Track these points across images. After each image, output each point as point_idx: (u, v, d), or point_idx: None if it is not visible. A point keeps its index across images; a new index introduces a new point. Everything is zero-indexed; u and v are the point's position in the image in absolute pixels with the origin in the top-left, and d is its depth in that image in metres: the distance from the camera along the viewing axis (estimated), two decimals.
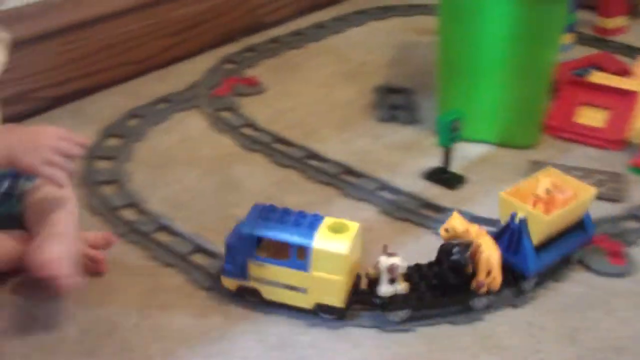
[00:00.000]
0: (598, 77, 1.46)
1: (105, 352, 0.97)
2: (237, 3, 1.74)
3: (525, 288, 1.06)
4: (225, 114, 1.47)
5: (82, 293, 1.02)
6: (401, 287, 1.00)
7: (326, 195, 1.26)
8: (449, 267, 1.01)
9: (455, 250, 1.00)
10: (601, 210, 1.21)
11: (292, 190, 1.27)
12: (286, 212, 1.02)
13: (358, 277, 1.04)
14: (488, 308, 1.04)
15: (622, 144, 1.39)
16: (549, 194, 1.07)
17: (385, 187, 1.28)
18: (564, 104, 1.44)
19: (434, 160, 1.31)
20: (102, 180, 1.27)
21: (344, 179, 1.30)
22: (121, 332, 1.00)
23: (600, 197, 1.19)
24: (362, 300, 1.03)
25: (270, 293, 1.02)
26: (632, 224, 1.21)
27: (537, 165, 1.29)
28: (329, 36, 1.80)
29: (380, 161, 1.35)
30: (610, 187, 1.28)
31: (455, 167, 1.31)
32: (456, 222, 1.03)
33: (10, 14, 1.34)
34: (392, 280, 0.99)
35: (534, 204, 1.07)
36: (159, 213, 1.20)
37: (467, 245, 1.01)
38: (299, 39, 1.77)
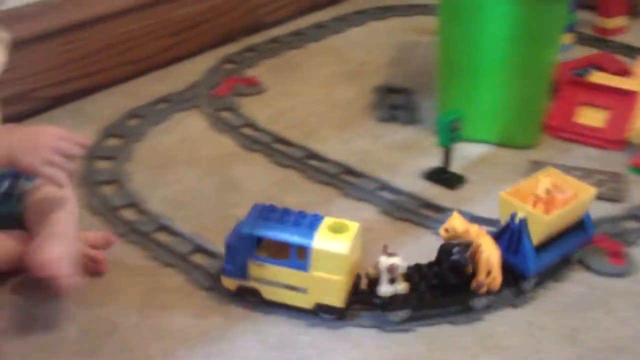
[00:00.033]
0: (598, 77, 1.45)
1: (105, 352, 0.97)
2: (237, 3, 1.74)
3: (525, 288, 1.06)
4: (225, 114, 1.47)
5: (82, 293, 1.02)
6: (401, 287, 1.00)
7: (326, 195, 1.26)
8: (449, 267, 1.01)
9: (455, 250, 1.00)
10: (601, 210, 1.21)
11: (292, 190, 1.27)
12: (286, 212, 1.02)
13: (358, 277, 1.04)
14: (488, 308, 1.04)
15: (622, 144, 1.39)
16: (549, 194, 1.07)
17: (385, 187, 1.28)
18: (564, 104, 1.44)
19: (434, 160, 1.31)
20: (102, 180, 1.27)
21: (344, 179, 1.30)
22: (121, 332, 0.99)
23: (600, 197, 1.19)
24: (362, 300, 1.03)
25: (270, 293, 1.02)
26: (632, 224, 1.21)
27: (537, 165, 1.29)
28: (329, 36, 1.79)
29: (380, 161, 1.35)
30: (610, 187, 1.28)
31: (455, 167, 1.31)
32: (456, 222, 1.03)
33: (10, 14, 1.34)
34: (392, 280, 0.99)
35: (534, 204, 1.07)
36: (159, 213, 1.20)
37: (467, 245, 1.01)
38: (299, 39, 1.77)
